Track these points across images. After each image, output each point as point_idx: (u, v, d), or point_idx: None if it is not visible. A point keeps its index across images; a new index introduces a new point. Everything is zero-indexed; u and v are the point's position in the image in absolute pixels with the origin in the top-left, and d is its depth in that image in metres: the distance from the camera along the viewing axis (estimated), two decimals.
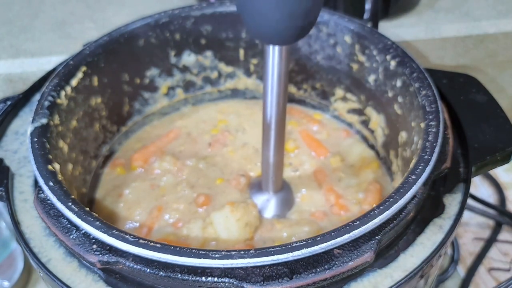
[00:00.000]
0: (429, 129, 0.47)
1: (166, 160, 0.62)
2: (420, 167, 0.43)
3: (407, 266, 0.42)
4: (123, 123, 0.65)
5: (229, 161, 0.63)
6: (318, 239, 0.38)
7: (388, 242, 0.43)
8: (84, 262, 0.42)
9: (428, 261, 0.42)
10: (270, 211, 0.57)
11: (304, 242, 0.38)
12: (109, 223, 0.40)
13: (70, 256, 0.43)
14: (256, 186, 0.59)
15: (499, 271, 0.84)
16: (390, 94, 0.59)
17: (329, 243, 0.38)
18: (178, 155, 0.64)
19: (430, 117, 0.48)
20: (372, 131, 0.65)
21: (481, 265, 0.84)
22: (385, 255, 0.43)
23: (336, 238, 0.38)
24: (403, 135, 0.56)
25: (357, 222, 0.39)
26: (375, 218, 0.39)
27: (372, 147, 0.65)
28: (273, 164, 0.53)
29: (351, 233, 0.38)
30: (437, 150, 0.45)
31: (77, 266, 0.43)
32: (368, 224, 0.39)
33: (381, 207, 0.40)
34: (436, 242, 0.44)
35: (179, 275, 0.38)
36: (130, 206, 0.58)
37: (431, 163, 0.44)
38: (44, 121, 0.49)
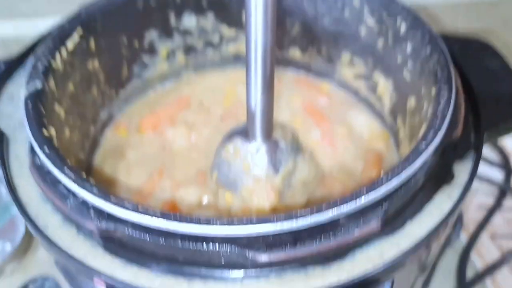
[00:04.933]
0: (440, 95, 0.45)
1: (180, 130, 0.60)
2: (430, 135, 0.42)
3: (414, 235, 0.41)
4: (122, 87, 0.63)
5: None
6: (323, 207, 0.37)
7: (395, 210, 0.42)
8: (82, 228, 0.41)
9: (436, 230, 0.41)
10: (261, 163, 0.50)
11: (309, 211, 0.36)
12: (107, 188, 0.39)
13: (68, 222, 0.42)
14: (238, 133, 0.51)
15: (502, 238, 0.83)
16: (399, 59, 0.56)
17: (335, 212, 0.36)
18: (191, 125, 0.62)
19: (442, 83, 0.46)
20: (379, 98, 0.63)
21: (484, 232, 0.83)
22: (392, 223, 0.42)
23: (342, 206, 0.37)
24: (412, 101, 0.54)
25: (364, 190, 0.38)
26: (383, 187, 0.38)
27: (379, 114, 0.64)
28: (261, 103, 0.45)
29: (358, 202, 0.37)
30: (448, 117, 0.43)
31: (75, 233, 0.42)
32: (376, 193, 0.38)
33: (390, 175, 0.39)
34: (444, 211, 0.43)
35: (179, 242, 0.37)
36: (131, 168, 0.58)
37: (442, 130, 0.42)
38: (39, 85, 0.47)
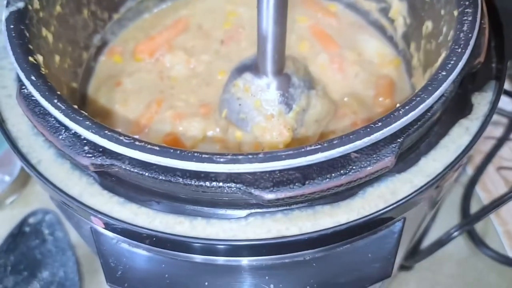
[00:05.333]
0: (464, 18, 0.41)
1: (178, 55, 0.56)
2: (452, 62, 0.38)
3: (428, 171, 0.39)
4: (115, 10, 0.59)
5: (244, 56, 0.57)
6: (334, 142, 0.34)
7: (409, 145, 0.39)
8: (76, 163, 0.38)
9: (452, 166, 0.39)
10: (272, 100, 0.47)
11: (319, 146, 0.33)
12: (103, 119, 0.36)
13: (61, 157, 0.40)
14: (248, 67, 0.48)
15: (508, 170, 0.82)
16: None
17: (347, 146, 0.34)
18: (190, 50, 0.58)
19: (466, 3, 0.42)
20: (392, 21, 0.58)
21: (490, 164, 0.81)
22: (405, 158, 0.39)
23: (355, 141, 0.34)
24: (428, 25, 0.50)
25: (379, 123, 0.35)
26: (399, 120, 0.35)
27: (390, 39, 0.59)
28: (272, 36, 0.42)
29: (372, 136, 0.34)
30: (472, 42, 0.39)
31: (69, 168, 0.39)
32: (391, 126, 0.35)
33: (407, 107, 0.36)
34: (461, 145, 0.40)
35: (181, 179, 0.34)
36: (128, 96, 0.54)
37: (464, 57, 0.38)
38: (20, 4, 0.42)
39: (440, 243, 0.56)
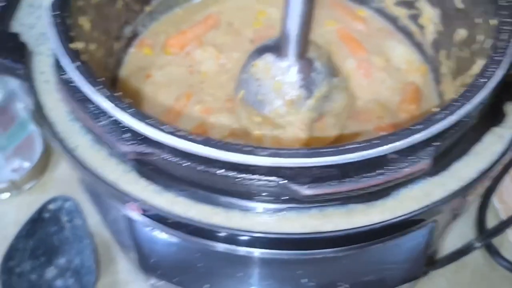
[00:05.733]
0: (503, 27, 0.41)
1: (208, 51, 0.57)
2: (491, 69, 0.39)
3: (461, 176, 0.39)
4: (147, 2, 0.59)
5: None
6: (374, 142, 0.34)
7: (442, 149, 0.39)
8: (114, 150, 0.39)
9: (485, 172, 0.39)
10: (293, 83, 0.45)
11: (360, 144, 0.34)
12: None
13: (98, 143, 0.40)
14: (269, 48, 0.47)
15: None
16: None
17: (387, 147, 0.34)
18: (220, 47, 0.58)
19: (505, 12, 0.42)
20: (421, 27, 0.58)
21: (507, 174, 0.81)
22: (438, 162, 0.39)
23: (396, 142, 0.34)
24: (461, 33, 0.50)
25: (419, 126, 0.35)
26: (439, 123, 0.35)
27: (418, 46, 0.60)
28: (299, 17, 0.40)
29: (412, 137, 0.35)
30: (510, 51, 0.40)
31: (106, 154, 0.40)
32: (431, 129, 0.35)
33: (447, 111, 0.36)
34: (494, 152, 0.40)
35: (220, 170, 0.35)
36: (158, 89, 0.55)
37: (504, 65, 0.39)
38: None
39: (461, 253, 0.57)
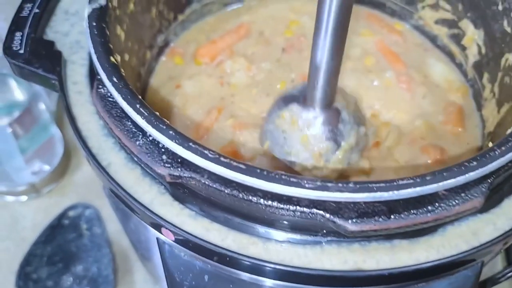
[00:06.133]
0: None
1: (239, 62, 0.55)
2: None
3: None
4: (180, 11, 0.58)
5: (305, 66, 0.56)
6: (427, 178, 0.32)
7: (494, 185, 0.37)
8: (150, 171, 0.37)
9: None
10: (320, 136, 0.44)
11: (412, 181, 0.32)
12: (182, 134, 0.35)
13: (132, 162, 0.38)
14: (295, 98, 0.46)
15: None
16: (500, 7, 0.49)
17: (439, 184, 0.32)
18: (250, 57, 0.57)
19: None
20: (463, 48, 0.56)
21: None
22: (488, 199, 0.37)
23: (449, 179, 0.32)
24: (509, 58, 0.48)
25: (474, 162, 0.33)
26: (495, 160, 0.33)
27: (459, 65, 0.57)
28: (326, 69, 0.39)
29: (466, 175, 0.33)
30: None
31: (140, 174, 0.38)
32: (486, 167, 0.33)
33: (503, 148, 0.34)
34: None
35: (262, 200, 0.33)
36: (187, 100, 0.54)
37: None
38: (102, 2, 0.41)
39: (493, 282, 0.55)
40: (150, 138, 0.35)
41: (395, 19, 0.62)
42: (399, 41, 0.60)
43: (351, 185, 0.32)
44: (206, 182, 0.34)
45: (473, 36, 0.54)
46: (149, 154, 0.35)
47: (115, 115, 0.37)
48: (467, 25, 0.55)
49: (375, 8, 0.62)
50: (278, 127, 0.46)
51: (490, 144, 0.44)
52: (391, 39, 0.60)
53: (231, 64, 0.56)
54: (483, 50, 0.53)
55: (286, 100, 0.46)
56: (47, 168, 0.74)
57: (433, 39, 0.60)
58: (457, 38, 0.57)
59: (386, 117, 0.52)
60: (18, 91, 0.69)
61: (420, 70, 0.57)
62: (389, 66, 0.57)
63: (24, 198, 0.74)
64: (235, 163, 0.32)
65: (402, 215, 0.33)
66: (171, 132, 0.34)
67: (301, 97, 0.44)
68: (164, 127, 0.34)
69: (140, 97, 0.36)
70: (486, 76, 0.53)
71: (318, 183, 0.31)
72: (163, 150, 0.35)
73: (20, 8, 0.44)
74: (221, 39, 0.59)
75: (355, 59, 0.58)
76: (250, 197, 0.33)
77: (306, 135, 0.44)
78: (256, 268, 0.35)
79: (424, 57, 0.59)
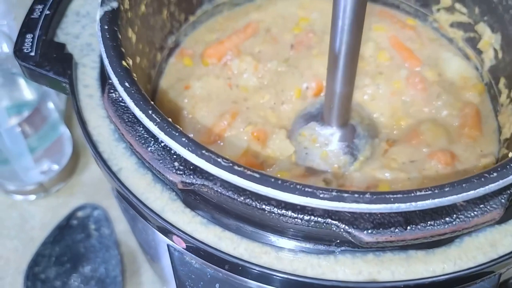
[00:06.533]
0: None
1: (246, 61, 0.54)
2: None
3: None
4: (191, 12, 0.57)
5: (315, 66, 0.55)
6: (446, 189, 0.31)
7: None
8: (161, 178, 0.36)
9: None
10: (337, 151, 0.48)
11: (430, 192, 0.31)
12: (194, 139, 0.34)
13: (143, 167, 0.38)
14: (314, 117, 0.50)
15: None
16: None
17: (459, 196, 0.31)
18: (257, 56, 0.56)
19: None
20: (479, 52, 0.55)
21: None
22: (507, 209, 0.37)
23: (469, 191, 0.31)
24: None
25: (494, 173, 0.32)
26: None
27: (474, 67, 0.56)
28: (340, 95, 0.43)
29: (486, 187, 0.32)
30: None
31: (151, 180, 0.38)
32: (508, 178, 0.32)
33: None
34: None
35: (275, 209, 0.32)
36: (196, 103, 0.52)
37: None
38: (114, 4, 0.41)
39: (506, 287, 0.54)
40: (162, 144, 0.35)
41: (408, 16, 0.61)
42: (413, 37, 0.59)
43: (367, 195, 0.31)
44: (219, 190, 0.33)
45: (489, 40, 0.53)
46: (161, 161, 0.35)
47: (126, 120, 0.36)
48: (483, 29, 0.54)
49: (386, 7, 0.61)
50: (300, 144, 0.49)
51: (506, 151, 0.43)
52: (405, 34, 0.59)
53: (238, 63, 0.55)
54: (500, 55, 0.52)
55: (305, 118, 0.50)
56: (55, 167, 0.73)
57: (448, 40, 0.59)
58: (473, 42, 0.56)
59: (398, 121, 0.51)
60: (27, 90, 0.69)
61: (434, 66, 0.56)
62: (403, 62, 0.56)
63: (32, 197, 0.74)
64: (249, 172, 0.31)
65: (419, 226, 0.32)
66: (183, 139, 0.33)
67: (319, 116, 0.48)
68: (177, 133, 0.33)
69: (152, 102, 0.35)
70: (502, 81, 0.52)
71: (334, 194, 0.31)
72: (175, 156, 0.34)
73: (31, 10, 0.43)
74: (228, 39, 0.58)
75: (368, 55, 0.56)
76: (264, 206, 0.32)
77: (325, 151, 0.48)
78: (268, 278, 0.34)
79: (439, 52, 0.57)
